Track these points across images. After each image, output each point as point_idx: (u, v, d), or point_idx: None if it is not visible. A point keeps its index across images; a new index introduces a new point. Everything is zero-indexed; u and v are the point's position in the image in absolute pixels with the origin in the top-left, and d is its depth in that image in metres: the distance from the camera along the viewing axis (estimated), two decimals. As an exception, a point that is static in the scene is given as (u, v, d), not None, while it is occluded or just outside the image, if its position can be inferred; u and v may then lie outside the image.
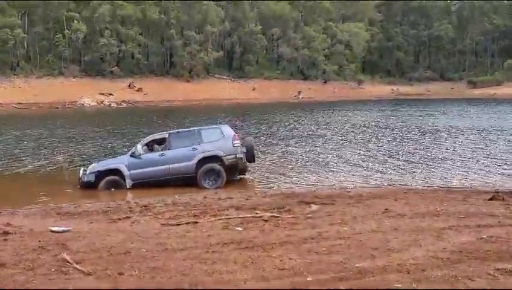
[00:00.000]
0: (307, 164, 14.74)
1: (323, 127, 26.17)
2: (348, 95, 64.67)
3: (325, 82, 72.12)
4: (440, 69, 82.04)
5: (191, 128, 12.47)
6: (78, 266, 4.86)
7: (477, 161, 14.59)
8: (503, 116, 31.12)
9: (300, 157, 15.99)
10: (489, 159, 14.73)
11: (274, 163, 14.91)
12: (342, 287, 4.30)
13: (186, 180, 11.39)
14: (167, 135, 11.96)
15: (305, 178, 12.68)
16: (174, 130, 12.67)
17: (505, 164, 13.97)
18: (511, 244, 5.59)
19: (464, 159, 14.92)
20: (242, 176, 12.54)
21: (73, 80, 57.82)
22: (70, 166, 14.82)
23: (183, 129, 12.79)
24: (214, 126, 12.80)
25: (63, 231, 6.57)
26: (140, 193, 10.98)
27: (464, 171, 13.01)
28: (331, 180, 12.38)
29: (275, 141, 20.20)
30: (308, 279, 4.54)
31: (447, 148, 17.12)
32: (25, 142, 20.98)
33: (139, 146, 11.63)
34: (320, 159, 15.36)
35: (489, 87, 67.61)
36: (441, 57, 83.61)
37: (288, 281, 4.50)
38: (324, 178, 12.62)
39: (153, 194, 10.56)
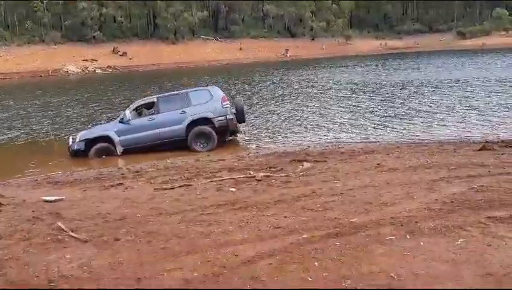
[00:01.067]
0: (298, 122, 14.71)
1: (311, 85, 26.00)
2: (336, 51, 64.02)
3: (313, 39, 71.21)
4: (428, 21, 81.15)
5: (179, 91, 12.29)
6: (73, 234, 4.85)
7: (466, 112, 14.66)
8: (487, 67, 31.07)
9: (291, 116, 15.94)
10: (477, 110, 14.80)
11: (265, 123, 14.86)
12: (337, 243, 4.35)
13: (177, 144, 11.33)
14: (155, 99, 11.79)
15: (297, 137, 12.68)
16: (162, 94, 12.48)
17: (494, 114, 14.06)
18: (501, 192, 5.66)
19: (452, 111, 14.97)
20: (233, 138, 12.51)
21: (55, 46, 56.34)
22: (59, 135, 14.64)
23: (171, 92, 12.60)
24: (202, 88, 12.61)
25: (56, 200, 6.53)
26: (132, 158, 10.93)
27: (454, 123, 13.08)
28: (323, 137, 12.40)
29: (264, 101, 20.08)
30: (303, 236, 4.58)
31: (433, 102, 17.15)
32: (9, 113, 20.61)
33: (127, 112, 11.47)
34: (311, 118, 15.33)
35: (478, 37, 67.23)
36: (429, 8, 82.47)
37: (286, 240, 4.53)
38: (316, 136, 12.63)
39: (144, 159, 10.52)
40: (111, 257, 4.25)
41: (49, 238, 4.78)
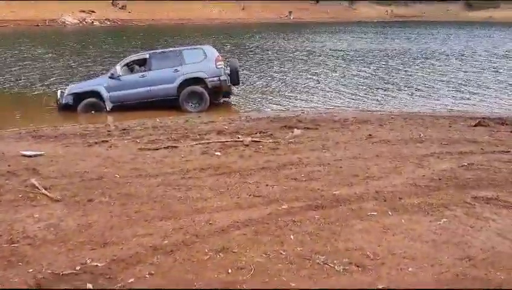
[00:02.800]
0: (294, 87, 14.39)
1: (313, 49, 25.44)
2: (340, 16, 62.60)
3: (317, 2, 69.39)
4: (438, -12, 78.81)
5: (173, 49, 11.89)
6: (46, 192, 4.70)
7: (466, 86, 14.37)
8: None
9: (287, 80, 15.60)
10: (477, 85, 14.51)
11: (260, 86, 14.54)
12: (317, 216, 4.21)
13: (168, 103, 11.06)
14: (148, 55, 11.40)
15: (291, 102, 12.42)
16: (155, 50, 12.08)
17: (489, 89, 13.79)
18: (490, 172, 5.52)
19: (452, 84, 14.67)
20: (227, 99, 12.23)
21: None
22: (49, 88, 14.29)
23: (164, 49, 12.19)
24: (196, 46, 12.20)
25: (35, 155, 6.35)
26: (121, 115, 10.68)
27: (452, 97, 12.82)
28: (318, 104, 12.16)
29: (261, 64, 19.64)
30: (282, 207, 4.44)
31: (432, 73, 16.81)
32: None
33: (118, 67, 11.12)
34: (308, 84, 15.00)
35: (486, 9, 65.63)
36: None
37: (264, 210, 4.39)
38: (312, 102, 12.38)
39: (134, 117, 10.29)
40: (81, 219, 4.11)
41: (20, 196, 4.63)
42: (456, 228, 3.99)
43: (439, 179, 5.22)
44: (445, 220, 4.14)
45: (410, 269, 3.32)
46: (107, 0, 54.95)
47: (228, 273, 3.27)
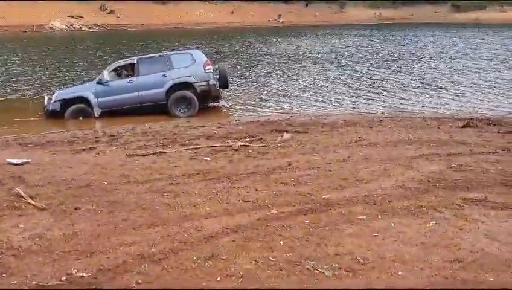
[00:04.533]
0: (283, 91, 14.40)
1: (302, 53, 25.50)
2: (329, 19, 62.84)
3: (307, 5, 69.64)
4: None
5: (161, 54, 11.83)
6: (32, 201, 4.62)
7: (454, 87, 14.48)
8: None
9: (276, 84, 15.60)
10: (464, 86, 14.63)
11: (249, 90, 14.53)
12: (306, 221, 4.18)
13: (157, 108, 11.00)
14: (135, 60, 11.34)
15: (282, 105, 12.43)
16: (143, 56, 12.02)
17: (479, 91, 13.92)
18: (479, 173, 5.53)
19: (439, 86, 14.78)
20: (216, 104, 12.19)
21: (40, 0, 54.24)
22: (35, 94, 14.13)
23: (152, 54, 12.13)
24: (185, 51, 12.18)
25: (22, 163, 6.26)
26: (110, 121, 10.61)
27: (440, 98, 12.91)
28: (307, 107, 12.17)
29: (250, 68, 19.63)
30: (272, 212, 4.41)
31: (421, 75, 16.92)
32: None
33: (105, 72, 11.05)
34: (298, 86, 15.01)
35: (473, 11, 66.31)
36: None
37: (253, 215, 4.36)
38: (301, 105, 12.39)
39: (122, 122, 10.21)
40: (67, 228, 4.04)
41: (5, 205, 4.54)
42: (445, 230, 3.99)
43: (428, 181, 5.23)
44: (434, 222, 4.13)
45: (400, 273, 3.30)
46: (95, 5, 54.66)
47: (217, 281, 3.23)
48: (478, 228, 4.03)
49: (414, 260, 3.47)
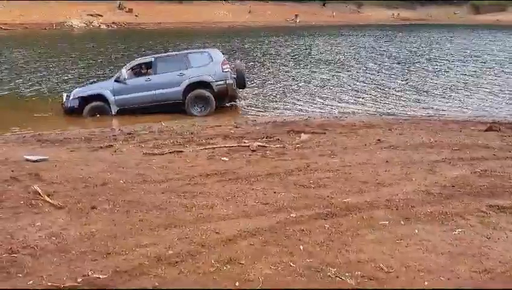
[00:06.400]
0: (302, 91, 14.27)
1: (319, 53, 25.30)
2: (346, 20, 62.28)
3: (324, 5, 69.21)
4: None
5: (178, 52, 11.83)
6: (48, 199, 4.59)
7: (477, 90, 14.18)
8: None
9: (293, 84, 15.47)
10: (487, 89, 14.31)
11: (265, 90, 14.42)
12: (327, 225, 4.06)
13: (174, 107, 10.98)
14: (153, 59, 11.35)
15: (299, 106, 12.32)
16: (161, 54, 12.01)
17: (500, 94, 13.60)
18: (505, 179, 5.34)
19: (461, 88, 14.49)
20: (233, 103, 12.12)
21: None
22: (53, 91, 14.23)
23: (170, 53, 12.12)
24: (202, 50, 12.13)
25: (39, 160, 6.25)
26: (126, 119, 10.63)
27: (462, 101, 12.64)
28: (325, 108, 12.04)
29: (267, 67, 19.52)
30: (291, 215, 4.30)
31: (440, 77, 16.62)
32: (6, 66, 20.13)
33: (123, 70, 11.07)
34: (315, 87, 14.87)
35: (493, 12, 65.10)
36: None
37: (272, 218, 4.26)
38: (319, 106, 12.26)
39: (139, 121, 10.23)
40: (83, 227, 3.99)
41: (22, 202, 4.52)
42: (472, 238, 3.83)
43: (452, 187, 5.06)
44: (460, 230, 3.98)
45: (426, 283, 3.17)
46: (113, 4, 55.15)
47: (235, 286, 3.14)
48: (506, 237, 3.87)
49: (440, 270, 3.33)
